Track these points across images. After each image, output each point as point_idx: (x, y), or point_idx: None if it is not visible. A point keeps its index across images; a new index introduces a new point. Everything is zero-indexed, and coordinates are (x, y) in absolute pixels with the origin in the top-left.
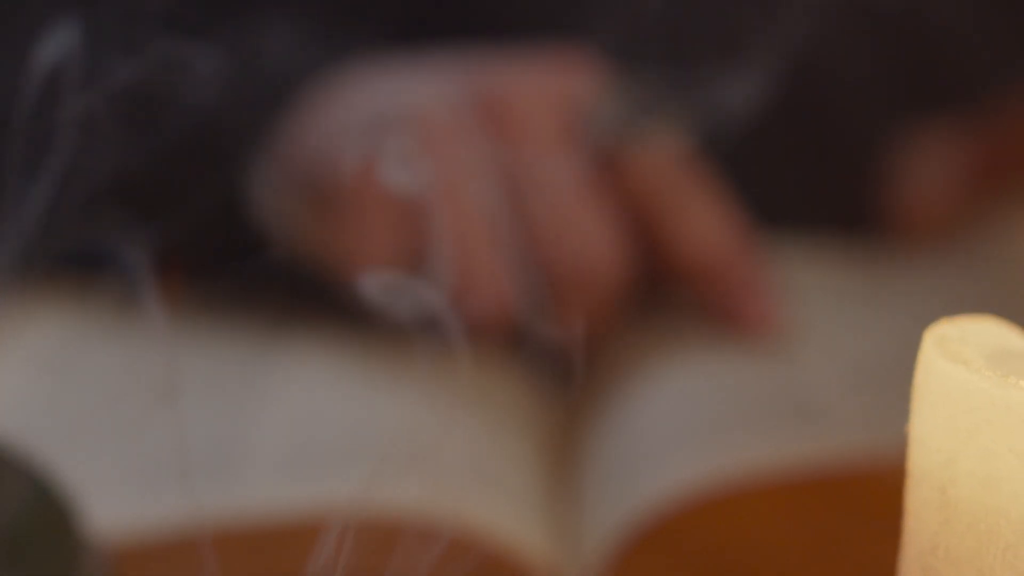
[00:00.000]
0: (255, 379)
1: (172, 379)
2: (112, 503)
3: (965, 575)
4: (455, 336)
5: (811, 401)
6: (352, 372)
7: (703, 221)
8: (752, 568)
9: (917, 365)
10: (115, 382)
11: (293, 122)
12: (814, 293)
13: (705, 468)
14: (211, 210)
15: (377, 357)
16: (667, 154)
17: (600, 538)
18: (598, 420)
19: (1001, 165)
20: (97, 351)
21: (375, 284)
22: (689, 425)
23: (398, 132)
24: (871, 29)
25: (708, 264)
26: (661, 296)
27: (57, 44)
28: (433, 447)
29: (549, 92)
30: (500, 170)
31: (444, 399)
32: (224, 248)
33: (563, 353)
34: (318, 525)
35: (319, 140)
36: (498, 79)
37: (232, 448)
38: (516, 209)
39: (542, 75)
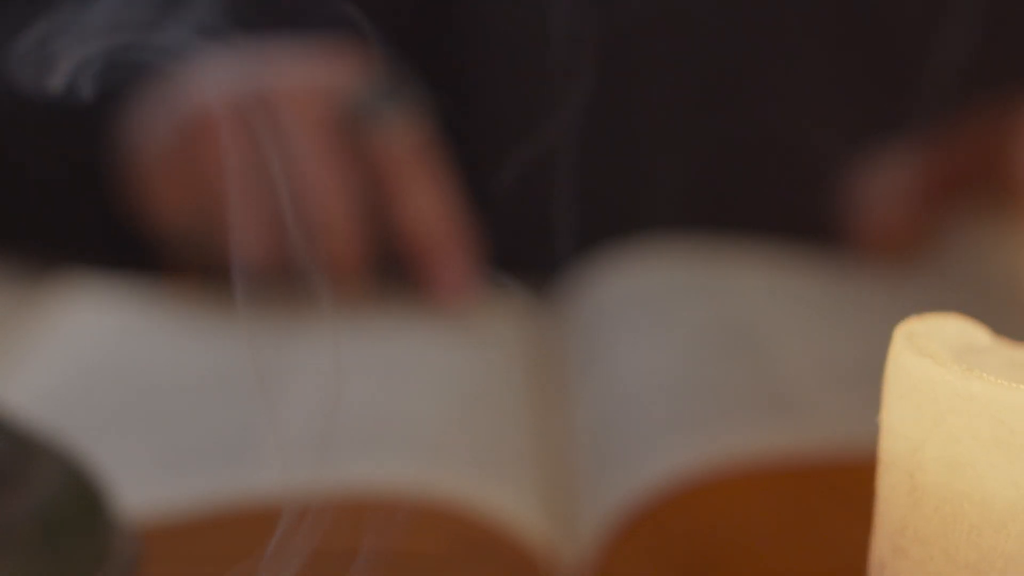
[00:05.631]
0: (273, 368)
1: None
2: (141, 486)
3: (932, 554)
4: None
5: (790, 394)
6: (357, 355)
7: (423, 199)
8: (735, 550)
9: (888, 359)
10: (144, 373)
11: (135, 112)
12: (793, 297)
13: (691, 457)
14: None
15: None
16: (403, 138)
17: (593, 523)
18: (588, 414)
19: (959, 182)
20: (127, 343)
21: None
22: (675, 417)
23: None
24: (828, 45)
25: (420, 236)
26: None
27: None
28: (432, 430)
29: (313, 82)
30: (263, 146)
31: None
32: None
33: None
34: (320, 506)
35: (146, 127)
36: (271, 72)
37: (253, 434)
38: (275, 177)
39: (309, 67)
